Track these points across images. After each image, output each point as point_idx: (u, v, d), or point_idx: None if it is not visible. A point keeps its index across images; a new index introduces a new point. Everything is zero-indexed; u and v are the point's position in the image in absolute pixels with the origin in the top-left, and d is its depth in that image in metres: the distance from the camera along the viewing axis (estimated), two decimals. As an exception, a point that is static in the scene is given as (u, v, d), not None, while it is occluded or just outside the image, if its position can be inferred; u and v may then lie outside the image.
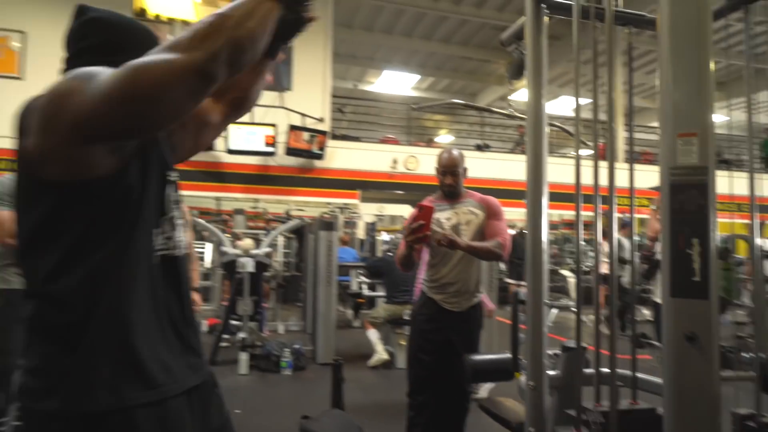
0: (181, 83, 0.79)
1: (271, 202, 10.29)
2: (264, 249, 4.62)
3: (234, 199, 9.95)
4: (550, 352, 1.88)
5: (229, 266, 4.41)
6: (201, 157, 8.72)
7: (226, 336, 5.12)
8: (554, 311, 7.28)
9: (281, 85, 9.28)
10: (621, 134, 8.85)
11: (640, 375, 1.70)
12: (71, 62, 1.01)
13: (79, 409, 0.86)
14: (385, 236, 9.88)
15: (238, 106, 1.18)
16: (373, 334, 4.88)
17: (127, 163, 0.91)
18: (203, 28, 0.81)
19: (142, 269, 0.93)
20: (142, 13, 8.64)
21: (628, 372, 1.68)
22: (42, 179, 0.88)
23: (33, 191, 0.91)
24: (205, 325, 6.49)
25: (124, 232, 0.92)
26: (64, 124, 0.82)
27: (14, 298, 2.45)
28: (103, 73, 0.83)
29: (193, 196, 9.41)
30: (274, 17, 0.88)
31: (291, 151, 8.88)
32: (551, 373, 1.77)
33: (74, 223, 0.90)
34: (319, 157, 9.13)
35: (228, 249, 4.52)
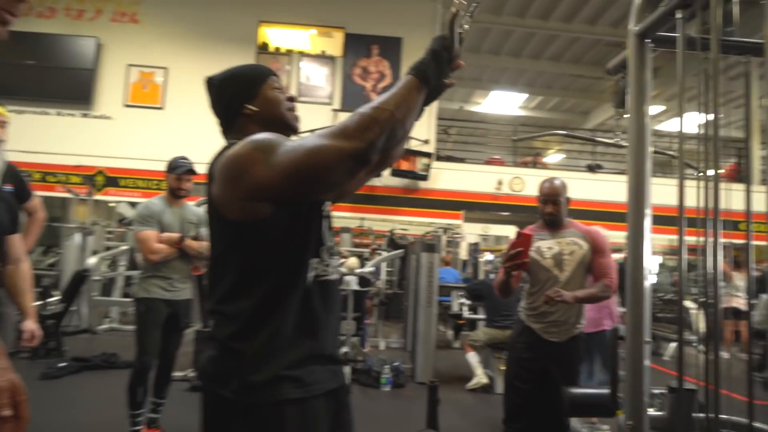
0: (342, 166, 0.99)
1: (376, 221, 10.61)
2: (368, 269, 4.80)
3: (341, 217, 10.40)
4: (656, 390, 1.79)
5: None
6: (312, 177, 9.23)
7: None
8: (672, 345, 6.74)
9: (388, 108, 9.60)
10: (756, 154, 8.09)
11: (759, 425, 1.58)
12: (224, 122, 1.28)
13: (243, 399, 1.08)
14: (488, 257, 9.79)
15: (381, 163, 1.34)
16: (472, 357, 4.85)
17: (291, 206, 1.12)
18: (362, 120, 0.98)
19: (301, 291, 1.13)
20: (264, 47, 9.46)
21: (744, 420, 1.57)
22: (224, 216, 1.11)
23: (218, 225, 1.16)
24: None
25: (287, 262, 1.12)
26: (243, 186, 1.05)
27: (153, 305, 2.79)
28: (280, 147, 1.03)
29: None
30: (422, 99, 1.06)
31: (396, 173, 9.13)
32: (654, 413, 1.69)
33: (246, 254, 1.12)
34: (424, 178, 9.29)
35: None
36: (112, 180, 9.03)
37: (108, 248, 7.95)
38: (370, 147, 0.97)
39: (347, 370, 4.65)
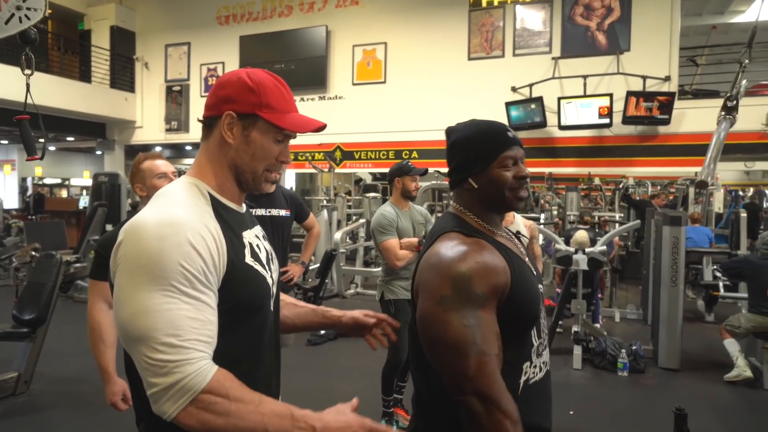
0: None
1: (606, 176, 9.71)
2: (599, 247, 4.45)
3: (564, 174, 9.76)
4: None
5: (562, 261, 4.43)
6: (533, 134, 8.86)
7: (560, 322, 5.23)
8: None
9: (617, 47, 8.55)
10: None
11: None
12: (451, 178, 1.25)
13: None
14: None
15: None
16: (731, 345, 4.21)
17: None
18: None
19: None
20: (477, 3, 9.19)
21: None
22: None
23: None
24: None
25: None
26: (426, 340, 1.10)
27: (401, 305, 2.99)
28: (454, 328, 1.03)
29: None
30: None
31: (629, 120, 8.17)
32: None
33: None
34: (665, 122, 8.13)
35: (561, 246, 4.53)
36: (347, 154, 10.04)
37: (349, 216, 8.94)
38: None
39: (578, 351, 4.50)
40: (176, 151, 12.31)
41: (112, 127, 12.08)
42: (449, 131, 1.27)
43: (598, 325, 5.23)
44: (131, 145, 12.09)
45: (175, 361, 0.84)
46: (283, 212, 2.90)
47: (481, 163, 1.17)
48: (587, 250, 4.40)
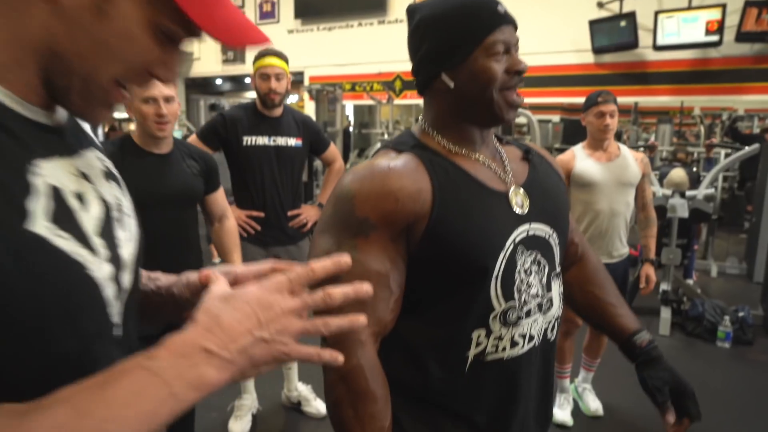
0: None
1: (707, 108, 8.35)
2: (704, 190, 3.55)
3: (653, 104, 8.49)
4: None
5: (657, 213, 3.61)
6: (619, 57, 7.65)
7: (643, 276, 4.46)
8: None
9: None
10: None
11: None
12: (417, 77, 0.95)
13: None
14: None
15: None
16: None
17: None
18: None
19: (460, 374, 0.98)
20: None
21: None
22: None
23: None
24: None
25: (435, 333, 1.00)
26: None
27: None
28: None
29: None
30: None
31: (744, 36, 6.77)
32: None
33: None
34: (789, 38, 6.68)
35: (655, 189, 3.67)
36: (408, 84, 9.23)
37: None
38: None
39: (666, 314, 3.74)
40: (235, 84, 11.98)
41: (171, 59, 11.87)
42: (412, 9, 0.94)
43: (690, 281, 4.41)
44: (192, 78, 11.86)
45: None
46: (292, 141, 2.32)
47: (460, 50, 0.87)
48: (688, 193, 3.53)
